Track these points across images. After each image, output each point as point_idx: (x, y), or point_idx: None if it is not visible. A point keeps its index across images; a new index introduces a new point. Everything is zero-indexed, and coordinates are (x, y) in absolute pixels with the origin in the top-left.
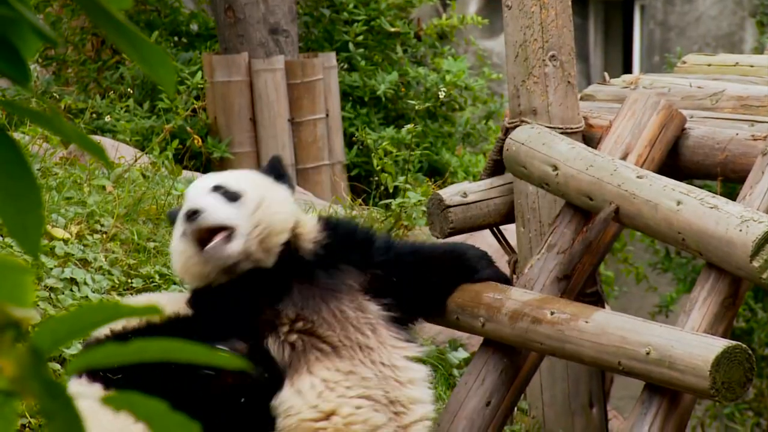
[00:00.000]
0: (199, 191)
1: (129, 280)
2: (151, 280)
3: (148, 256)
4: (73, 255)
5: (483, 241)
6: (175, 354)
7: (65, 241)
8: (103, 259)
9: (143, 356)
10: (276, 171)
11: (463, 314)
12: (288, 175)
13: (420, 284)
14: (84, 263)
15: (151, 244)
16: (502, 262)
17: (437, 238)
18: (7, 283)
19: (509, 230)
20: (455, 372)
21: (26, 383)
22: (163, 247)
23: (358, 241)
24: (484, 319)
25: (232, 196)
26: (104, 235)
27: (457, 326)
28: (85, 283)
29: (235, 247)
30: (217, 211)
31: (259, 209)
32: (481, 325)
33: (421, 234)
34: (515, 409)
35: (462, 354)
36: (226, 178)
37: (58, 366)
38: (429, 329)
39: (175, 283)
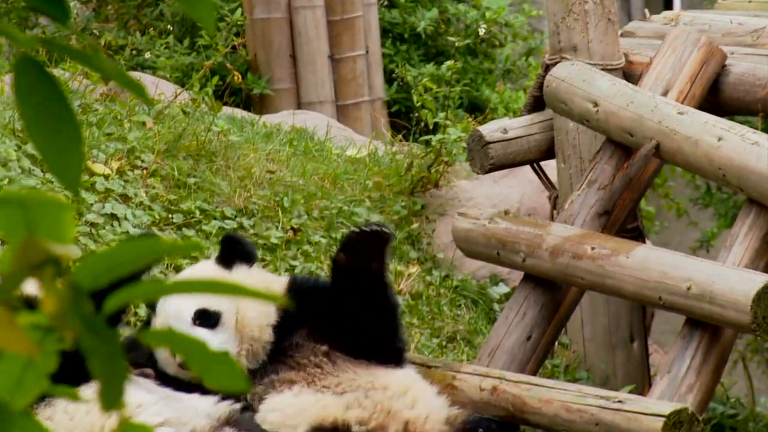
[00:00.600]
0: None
1: (169, 216)
2: (191, 215)
3: (189, 192)
4: (113, 191)
5: (523, 177)
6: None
7: (106, 177)
8: (144, 195)
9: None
10: (233, 254)
11: (504, 249)
12: (247, 249)
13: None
14: (124, 199)
15: (192, 180)
16: (542, 198)
17: (477, 173)
18: (47, 220)
19: (549, 166)
20: (496, 307)
21: (66, 319)
22: (204, 183)
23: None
24: (524, 255)
25: (212, 322)
26: (144, 171)
27: (497, 261)
28: (126, 219)
29: None
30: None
31: (239, 323)
32: (522, 260)
33: (462, 170)
34: (556, 343)
35: (503, 289)
36: (201, 300)
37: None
38: (470, 264)
39: (215, 218)
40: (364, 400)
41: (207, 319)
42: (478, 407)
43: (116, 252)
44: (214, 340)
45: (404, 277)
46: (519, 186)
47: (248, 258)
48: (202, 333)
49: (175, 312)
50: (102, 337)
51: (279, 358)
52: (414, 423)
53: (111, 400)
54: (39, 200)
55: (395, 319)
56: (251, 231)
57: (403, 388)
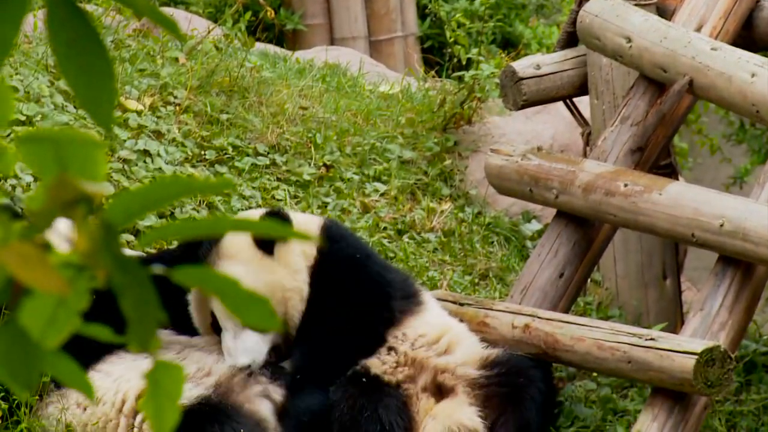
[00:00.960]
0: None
1: (202, 152)
2: (224, 152)
3: (221, 128)
4: (146, 127)
5: (556, 113)
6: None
7: (138, 113)
8: (177, 131)
9: (212, 231)
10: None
11: (537, 186)
12: (283, 219)
13: None
14: (157, 135)
15: (224, 116)
16: (575, 134)
17: (510, 110)
18: (78, 158)
19: (582, 102)
20: (528, 244)
21: (98, 257)
22: (236, 119)
23: None
24: (557, 191)
25: None
26: (177, 107)
27: (530, 198)
28: (159, 155)
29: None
30: (260, 356)
31: (278, 308)
32: (555, 197)
33: (495, 106)
34: (588, 280)
35: (535, 226)
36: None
37: (132, 237)
38: (502, 201)
39: (248, 155)
40: (386, 356)
41: None
42: (510, 345)
43: (148, 189)
44: (262, 345)
45: (437, 214)
46: (552, 122)
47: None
48: (252, 337)
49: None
50: (133, 275)
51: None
52: (445, 370)
53: (143, 340)
54: (71, 138)
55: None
56: (283, 167)
57: (437, 335)
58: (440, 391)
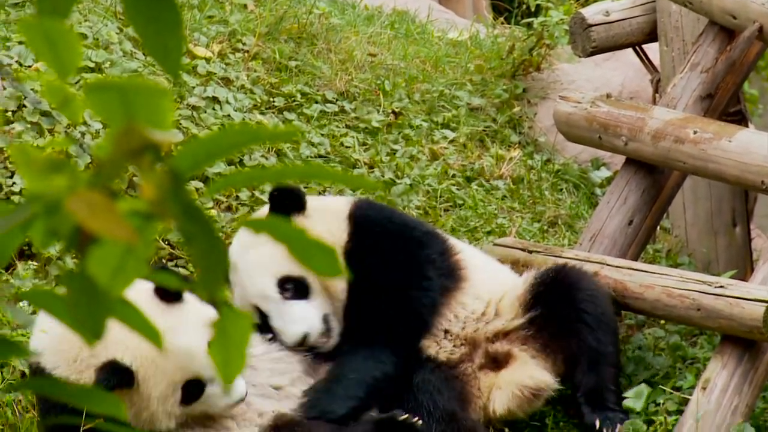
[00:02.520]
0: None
1: (270, 99)
2: (292, 98)
3: (290, 75)
4: (215, 74)
5: (626, 60)
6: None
7: (207, 60)
8: (245, 78)
9: (282, 177)
10: (286, 205)
11: (606, 134)
12: (298, 197)
13: None
14: (226, 82)
15: (293, 63)
16: (645, 81)
17: (579, 56)
18: (146, 106)
19: (652, 49)
20: (597, 191)
21: (165, 206)
22: (305, 66)
23: None
24: (626, 139)
25: (303, 290)
26: (246, 54)
27: (599, 145)
28: (227, 102)
29: (332, 339)
30: (315, 322)
31: (323, 285)
32: (624, 144)
33: (564, 53)
34: (657, 228)
35: (604, 173)
36: (278, 269)
37: (201, 184)
38: (571, 148)
39: (316, 102)
40: (442, 340)
41: (296, 288)
42: None
43: (216, 138)
44: (314, 313)
45: (505, 161)
46: (621, 69)
47: (301, 207)
48: (300, 307)
49: (259, 289)
50: (200, 223)
51: None
52: (496, 339)
53: (209, 287)
54: (138, 86)
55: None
56: (352, 114)
57: (484, 306)
58: (498, 362)
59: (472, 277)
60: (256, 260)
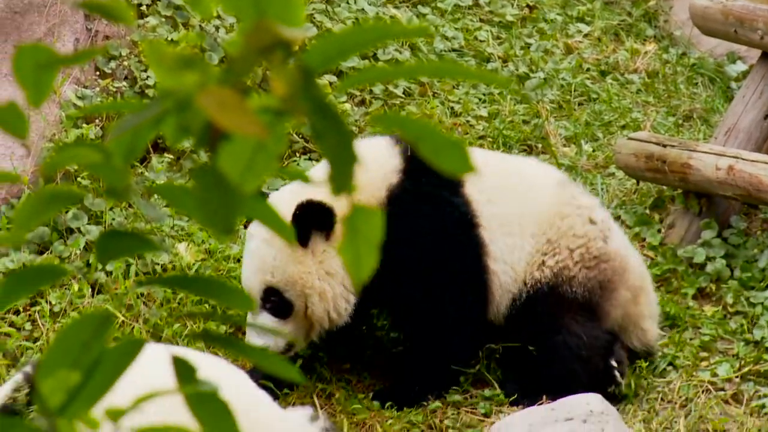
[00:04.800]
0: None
1: None
2: None
3: None
4: None
5: None
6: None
7: None
8: None
9: (412, 74)
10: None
11: (742, 27)
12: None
13: None
14: None
15: None
16: None
17: None
18: (277, 2)
19: None
20: (733, 85)
21: (296, 102)
22: None
23: None
24: (762, 32)
25: (282, 311)
26: None
27: (735, 39)
28: None
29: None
30: (276, 348)
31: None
32: (760, 38)
33: None
34: None
35: (740, 67)
36: (270, 277)
37: (334, 78)
38: (707, 42)
39: None
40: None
41: (279, 305)
42: (713, 187)
43: (349, 33)
44: (280, 338)
45: (640, 55)
46: None
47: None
48: (272, 323)
49: (246, 284)
50: (331, 119)
51: None
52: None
53: (341, 182)
54: None
55: None
56: (486, 8)
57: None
58: None
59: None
60: (255, 252)
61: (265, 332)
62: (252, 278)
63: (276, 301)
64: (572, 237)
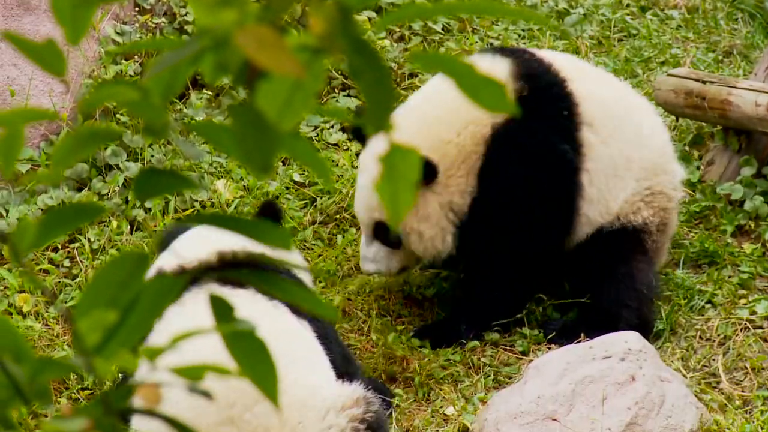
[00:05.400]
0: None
1: None
2: None
3: None
4: None
5: None
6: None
7: None
8: None
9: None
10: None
11: None
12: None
13: None
14: None
15: None
16: None
17: None
18: None
19: None
20: None
21: (334, 40)
22: None
23: None
24: None
25: (392, 243)
26: None
27: None
28: None
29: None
30: (389, 271)
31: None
32: None
33: None
34: None
35: None
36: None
37: (374, 14)
38: None
39: None
40: None
41: (388, 238)
42: (753, 123)
43: None
44: (394, 261)
45: None
46: None
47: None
48: (384, 251)
49: (360, 215)
50: (369, 57)
51: None
52: None
53: (379, 121)
54: None
55: None
56: None
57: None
58: None
59: None
60: (364, 188)
61: (377, 259)
62: (362, 212)
63: (386, 233)
64: (665, 195)
